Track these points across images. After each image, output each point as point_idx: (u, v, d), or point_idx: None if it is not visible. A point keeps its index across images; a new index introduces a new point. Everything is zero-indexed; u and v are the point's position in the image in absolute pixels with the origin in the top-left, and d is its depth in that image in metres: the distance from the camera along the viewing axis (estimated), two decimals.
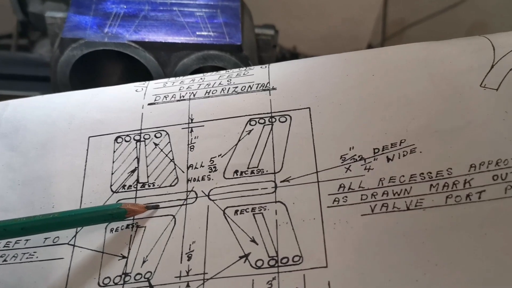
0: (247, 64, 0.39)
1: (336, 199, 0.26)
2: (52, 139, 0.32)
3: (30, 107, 0.33)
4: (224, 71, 0.33)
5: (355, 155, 0.27)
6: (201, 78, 0.33)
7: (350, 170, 0.27)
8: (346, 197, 0.26)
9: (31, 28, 0.73)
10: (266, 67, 0.32)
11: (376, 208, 0.25)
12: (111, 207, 0.28)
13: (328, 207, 0.26)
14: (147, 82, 0.34)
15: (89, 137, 0.31)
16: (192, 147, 0.30)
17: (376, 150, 0.27)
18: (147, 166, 0.30)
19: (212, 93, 0.31)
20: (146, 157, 0.30)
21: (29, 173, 0.31)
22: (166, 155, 0.30)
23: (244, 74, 0.32)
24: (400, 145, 0.27)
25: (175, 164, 0.29)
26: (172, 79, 0.33)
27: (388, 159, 0.26)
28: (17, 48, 0.77)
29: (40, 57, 0.69)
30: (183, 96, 0.32)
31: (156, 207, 0.28)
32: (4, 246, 0.28)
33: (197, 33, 0.39)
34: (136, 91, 0.33)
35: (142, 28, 0.39)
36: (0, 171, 0.31)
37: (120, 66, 0.45)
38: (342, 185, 0.26)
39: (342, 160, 0.27)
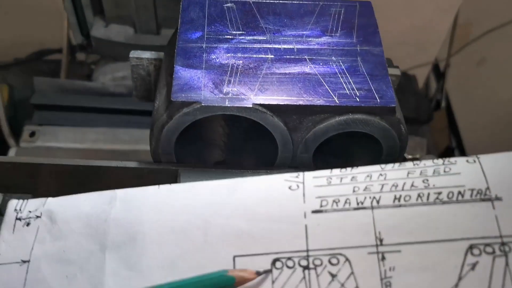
0: (399, 130, 0.30)
1: None
2: (183, 255, 0.24)
3: (147, 206, 0.25)
4: (411, 163, 0.24)
5: None
6: (381, 174, 0.24)
7: None
8: None
9: (90, 52, 0.65)
10: (475, 161, 0.23)
11: None
12: (215, 274, 0.23)
13: None
14: (300, 174, 0.25)
15: (234, 256, 0.23)
16: (388, 283, 0.21)
17: None
18: None
19: (405, 200, 0.23)
20: None
21: None
22: None
23: (445, 171, 0.23)
24: None
25: None
26: (336, 171, 0.25)
27: None
28: (67, 69, 0.70)
29: (103, 87, 0.61)
30: (362, 203, 0.23)
31: (268, 271, 0.23)
32: None
33: (339, 91, 0.31)
34: (289, 188, 0.24)
35: (269, 86, 0.31)
36: None
37: (224, 121, 0.37)
38: None
39: None
